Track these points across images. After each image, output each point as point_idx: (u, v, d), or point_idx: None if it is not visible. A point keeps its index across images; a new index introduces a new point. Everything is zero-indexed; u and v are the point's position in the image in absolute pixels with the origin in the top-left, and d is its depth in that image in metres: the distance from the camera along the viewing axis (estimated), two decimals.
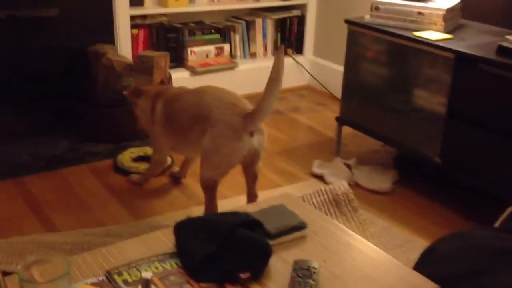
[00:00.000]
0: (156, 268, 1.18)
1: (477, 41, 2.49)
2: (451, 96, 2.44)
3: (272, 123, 3.40)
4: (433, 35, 2.49)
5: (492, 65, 2.25)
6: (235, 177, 2.73)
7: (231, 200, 2.48)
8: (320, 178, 2.70)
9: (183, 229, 1.27)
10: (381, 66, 2.77)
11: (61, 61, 3.17)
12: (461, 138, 2.46)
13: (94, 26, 3.13)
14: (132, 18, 3.25)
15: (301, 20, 3.97)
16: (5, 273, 1.15)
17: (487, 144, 2.37)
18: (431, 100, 2.53)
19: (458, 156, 2.48)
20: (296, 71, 4.01)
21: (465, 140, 2.45)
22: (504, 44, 2.27)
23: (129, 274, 1.14)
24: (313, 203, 2.37)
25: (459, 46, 2.38)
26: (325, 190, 2.47)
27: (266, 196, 2.02)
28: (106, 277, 1.15)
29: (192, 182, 2.65)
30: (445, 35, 2.49)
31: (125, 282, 1.12)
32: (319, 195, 2.44)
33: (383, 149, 3.04)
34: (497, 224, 2.12)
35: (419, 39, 2.47)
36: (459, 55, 2.34)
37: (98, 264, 1.21)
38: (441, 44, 2.39)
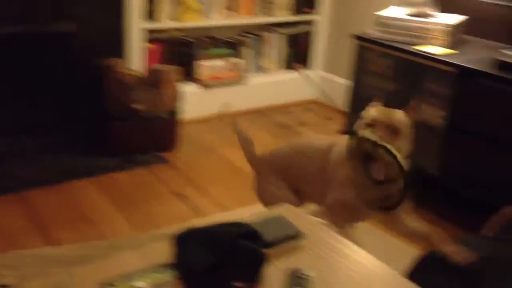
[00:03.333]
0: (152, 279, 1.20)
1: (478, 56, 2.52)
2: (451, 109, 2.46)
3: (279, 136, 3.43)
4: (436, 50, 2.52)
5: (493, 80, 2.27)
6: (239, 189, 2.77)
7: (234, 213, 2.51)
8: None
9: (183, 240, 1.29)
10: (385, 80, 2.80)
11: (72, 75, 3.24)
12: (460, 151, 2.48)
13: (106, 40, 3.20)
14: (150, 32, 3.31)
15: (310, 35, 4.01)
16: (3, 286, 1.14)
17: (486, 157, 2.39)
18: (431, 113, 2.56)
19: (456, 169, 2.50)
20: (304, 85, 4.05)
21: (464, 153, 2.47)
22: (504, 59, 2.29)
23: (123, 286, 1.15)
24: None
25: (462, 61, 2.40)
26: None
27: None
28: None
29: (196, 194, 2.68)
30: (448, 50, 2.52)
31: None
32: None
33: None
34: (485, 231, 2.13)
35: (423, 53, 2.49)
36: (461, 69, 2.37)
37: (92, 277, 1.21)
38: (444, 58, 2.42)
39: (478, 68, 2.34)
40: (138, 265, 1.26)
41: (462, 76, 2.40)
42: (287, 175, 2.07)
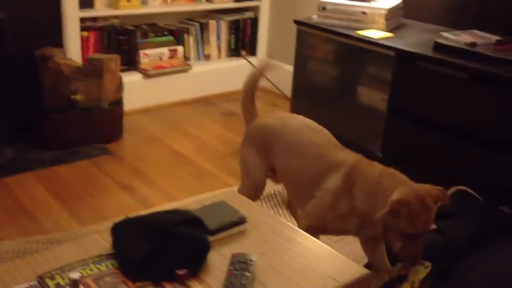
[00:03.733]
0: (91, 270, 1.17)
1: (416, 39, 2.57)
2: (392, 92, 2.51)
3: (225, 125, 3.41)
4: (376, 34, 2.56)
5: (430, 62, 2.33)
6: (187, 178, 2.74)
7: (182, 203, 2.48)
8: (271, 177, 2.72)
9: (121, 230, 1.26)
10: (328, 65, 2.83)
11: (6, 66, 3.11)
12: (401, 133, 2.54)
13: (42, 29, 3.08)
14: (82, 20, 3.22)
15: (254, 22, 4.00)
16: None
17: (426, 138, 2.45)
18: (374, 97, 2.60)
19: (399, 151, 2.56)
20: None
21: (405, 135, 2.53)
22: (440, 41, 2.35)
23: (62, 278, 1.13)
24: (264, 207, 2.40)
25: (400, 44, 2.45)
26: (275, 194, 2.50)
27: None
28: (38, 281, 1.13)
29: (143, 185, 2.64)
30: (388, 34, 2.56)
31: (58, 285, 1.11)
32: (269, 200, 2.48)
33: None
34: None
35: (362, 37, 2.53)
36: (400, 52, 2.41)
37: (31, 269, 1.19)
38: (383, 42, 2.46)
39: (416, 51, 2.39)
40: (77, 257, 1.23)
41: (401, 59, 2.45)
42: (269, 157, 1.97)
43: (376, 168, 1.73)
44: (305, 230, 1.49)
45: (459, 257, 1.92)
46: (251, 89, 2.11)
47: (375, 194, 1.64)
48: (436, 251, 1.95)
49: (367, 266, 1.85)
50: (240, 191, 2.00)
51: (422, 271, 1.65)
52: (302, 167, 1.84)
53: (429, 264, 1.68)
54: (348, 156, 1.78)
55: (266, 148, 1.96)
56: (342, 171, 1.73)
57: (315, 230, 1.71)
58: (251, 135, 2.04)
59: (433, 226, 1.71)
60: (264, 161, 1.98)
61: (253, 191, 2.00)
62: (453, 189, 2.28)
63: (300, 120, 1.96)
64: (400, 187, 1.60)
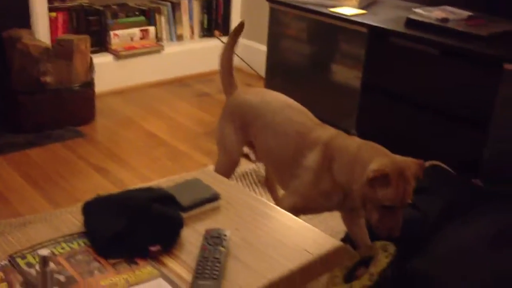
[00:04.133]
0: (63, 248, 1.16)
1: (388, 15, 2.58)
2: (365, 69, 2.52)
3: (199, 105, 3.39)
4: (348, 10, 2.55)
5: (402, 38, 2.34)
6: (162, 160, 2.72)
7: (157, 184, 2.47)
8: (246, 156, 2.73)
9: (92, 208, 1.25)
10: (301, 43, 2.82)
11: None
12: (375, 109, 2.55)
13: (9, 10, 3.00)
14: (50, 1, 3.14)
15: (227, 1, 3.96)
16: None
17: (400, 114, 2.47)
18: (347, 74, 2.61)
19: (373, 127, 2.58)
20: None
21: (378, 112, 2.54)
22: (412, 17, 2.36)
23: (33, 257, 1.11)
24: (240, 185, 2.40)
25: (373, 21, 2.45)
26: (250, 173, 2.50)
27: None
28: (9, 261, 1.12)
29: (117, 167, 2.61)
30: (359, 11, 2.56)
31: (29, 264, 1.10)
32: (245, 178, 2.48)
33: None
34: None
35: (335, 14, 2.52)
36: (372, 29, 2.42)
37: (2, 250, 1.17)
38: (356, 19, 2.46)
39: (389, 27, 2.39)
40: (49, 236, 1.22)
41: (374, 35, 2.45)
42: (247, 134, 1.95)
43: (355, 141, 1.73)
44: (288, 211, 1.47)
45: (431, 231, 1.95)
46: (227, 57, 2.10)
47: (354, 167, 1.64)
48: (412, 225, 1.98)
49: (343, 241, 1.87)
50: (216, 166, 2.01)
51: (383, 261, 1.64)
52: (281, 145, 1.83)
53: (392, 250, 1.67)
54: (326, 132, 1.77)
55: (244, 125, 1.94)
56: (320, 147, 1.72)
57: (298, 210, 1.70)
58: (229, 110, 2.01)
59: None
60: (241, 137, 1.97)
61: (228, 167, 2.00)
62: (426, 164, 2.30)
63: (279, 98, 1.95)
64: (379, 157, 1.61)
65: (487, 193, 2.13)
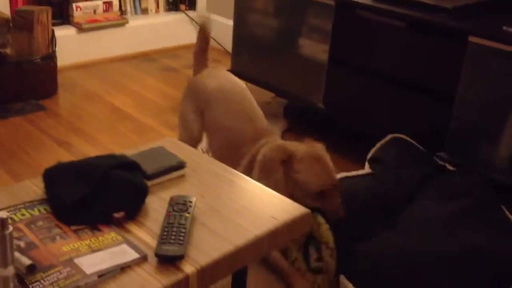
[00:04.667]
0: (23, 215, 1.12)
1: None
2: (332, 43, 2.51)
3: (165, 80, 3.34)
4: None
5: (369, 11, 2.33)
6: (127, 134, 2.68)
7: None
8: None
9: (53, 175, 1.22)
10: (268, 17, 2.79)
11: None
12: (342, 83, 2.56)
13: None
14: None
15: None
16: None
17: (367, 88, 2.48)
18: (315, 48, 2.60)
19: (340, 101, 2.58)
20: (190, 27, 3.94)
21: (346, 86, 2.55)
22: None
23: None
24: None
25: None
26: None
27: None
28: None
29: (81, 142, 2.56)
30: None
31: None
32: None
33: (274, 100, 3.09)
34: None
35: None
36: (339, 1, 2.41)
37: None
38: None
39: (356, 0, 2.38)
40: (7, 203, 1.18)
41: (341, 8, 2.44)
42: (203, 116, 1.97)
43: (270, 144, 1.77)
44: None
45: (394, 204, 1.97)
46: (201, 45, 2.13)
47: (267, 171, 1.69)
48: (376, 198, 1.99)
49: None
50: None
51: (327, 232, 1.66)
52: (220, 138, 1.90)
53: (321, 220, 1.67)
54: (258, 145, 1.80)
55: (200, 107, 1.96)
56: (248, 157, 1.79)
57: None
58: (190, 89, 2.05)
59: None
60: (200, 118, 2.00)
61: (189, 143, 1.99)
62: (388, 137, 2.32)
63: (235, 88, 1.96)
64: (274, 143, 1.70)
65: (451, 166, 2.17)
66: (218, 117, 1.91)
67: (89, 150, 2.48)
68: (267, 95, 3.04)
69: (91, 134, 2.63)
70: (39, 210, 1.15)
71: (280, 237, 1.24)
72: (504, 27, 2.03)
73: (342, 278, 1.64)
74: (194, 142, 2.01)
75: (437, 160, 2.23)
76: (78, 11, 3.35)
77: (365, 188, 2.04)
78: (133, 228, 1.16)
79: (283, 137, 2.70)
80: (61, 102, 2.95)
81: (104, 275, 1.00)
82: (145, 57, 3.67)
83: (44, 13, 2.83)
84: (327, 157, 1.65)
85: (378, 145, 2.30)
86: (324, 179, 1.62)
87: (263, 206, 1.30)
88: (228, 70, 2.96)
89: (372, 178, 2.12)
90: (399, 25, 2.30)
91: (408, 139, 2.31)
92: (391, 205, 1.96)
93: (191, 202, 1.20)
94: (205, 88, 1.96)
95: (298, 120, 2.92)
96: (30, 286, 0.94)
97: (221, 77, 2.03)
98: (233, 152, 1.84)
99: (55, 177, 1.20)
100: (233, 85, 1.97)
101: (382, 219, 1.88)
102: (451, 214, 1.86)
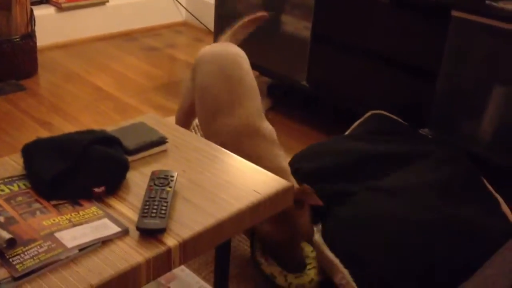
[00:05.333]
0: (2, 190, 1.11)
1: None
2: (314, 19, 2.50)
3: (147, 59, 3.31)
4: None
5: None
6: (109, 113, 2.65)
7: None
8: None
9: (32, 150, 1.20)
10: None
11: None
12: (325, 61, 2.55)
13: None
14: None
15: None
16: None
17: (350, 65, 2.48)
18: (297, 25, 2.59)
19: (323, 79, 2.58)
20: (172, 7, 3.90)
21: (329, 63, 2.54)
22: None
23: None
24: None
25: None
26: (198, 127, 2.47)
27: None
28: None
29: (62, 121, 2.53)
30: None
31: None
32: (196, 131, 2.45)
33: (257, 79, 3.07)
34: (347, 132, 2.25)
35: None
36: None
37: None
38: None
39: None
40: None
41: None
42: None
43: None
44: None
45: (374, 165, 1.96)
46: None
47: None
48: (350, 154, 1.97)
49: None
50: (176, 114, 2.03)
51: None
52: (198, 106, 1.82)
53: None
54: (230, 125, 1.70)
55: (194, 74, 1.92)
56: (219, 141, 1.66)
57: None
58: (195, 60, 2.00)
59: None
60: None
61: (183, 113, 1.99)
62: (368, 113, 2.33)
63: (228, 55, 1.86)
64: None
65: (434, 142, 2.18)
66: (201, 79, 1.83)
67: (71, 130, 2.40)
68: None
69: (72, 114, 2.60)
70: (18, 186, 1.13)
71: (262, 210, 1.25)
72: (487, 1, 2.03)
73: (318, 238, 1.63)
74: (188, 112, 1.96)
75: (420, 135, 2.24)
76: None
77: (336, 145, 2.04)
78: (115, 203, 1.16)
79: (267, 116, 2.69)
80: (41, 82, 2.91)
81: (85, 249, 0.99)
82: (126, 37, 3.63)
83: None
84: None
85: (357, 122, 2.30)
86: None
87: (245, 180, 1.29)
88: None
89: (347, 138, 2.12)
90: (382, 1, 2.30)
91: (389, 114, 2.31)
92: (369, 165, 1.93)
93: (172, 176, 1.20)
94: (203, 53, 1.91)
95: (282, 98, 2.92)
96: (10, 260, 0.93)
97: (220, 45, 1.98)
98: (208, 119, 1.76)
99: (34, 153, 1.18)
100: (227, 52, 1.87)
101: (359, 178, 1.86)
102: (432, 183, 1.86)
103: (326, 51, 2.53)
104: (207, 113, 1.77)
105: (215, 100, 1.75)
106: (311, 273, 1.65)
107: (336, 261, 1.54)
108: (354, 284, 1.48)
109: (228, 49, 1.91)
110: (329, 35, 2.51)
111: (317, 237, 1.65)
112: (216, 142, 1.49)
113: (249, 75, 1.84)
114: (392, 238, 1.57)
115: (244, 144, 1.66)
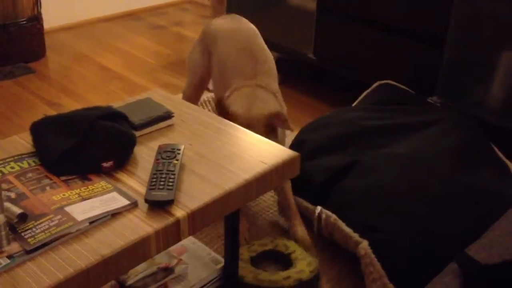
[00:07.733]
0: (12, 168, 1.13)
1: None
2: None
3: (153, 38, 3.31)
4: None
5: None
6: (118, 93, 2.67)
7: None
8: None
9: (40, 128, 1.22)
10: None
11: None
12: (331, 32, 2.53)
13: None
14: None
15: None
16: None
17: (357, 35, 2.46)
18: None
19: (330, 51, 2.56)
20: None
21: (335, 34, 2.53)
22: None
23: None
24: None
25: None
26: (208, 101, 2.48)
27: None
28: None
29: (72, 102, 2.55)
30: None
31: None
32: (204, 106, 2.46)
33: None
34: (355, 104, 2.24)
35: None
36: None
37: None
38: None
39: None
40: None
41: None
42: (210, 59, 1.95)
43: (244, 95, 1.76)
44: None
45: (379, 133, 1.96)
46: None
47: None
48: (352, 125, 1.97)
49: None
50: (184, 88, 2.04)
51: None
52: (215, 76, 1.87)
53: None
54: (239, 87, 1.78)
55: (208, 48, 1.95)
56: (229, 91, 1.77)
57: None
58: (201, 33, 2.04)
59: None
60: (207, 60, 1.97)
61: (193, 88, 2.01)
62: (375, 84, 2.32)
63: (242, 31, 1.92)
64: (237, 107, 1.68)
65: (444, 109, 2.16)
66: (221, 51, 1.88)
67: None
68: None
69: (82, 95, 2.62)
70: (28, 163, 1.15)
71: (269, 180, 1.26)
72: None
73: (329, 214, 1.63)
74: (197, 87, 2.01)
75: (428, 100, 2.22)
76: None
77: (343, 116, 2.04)
78: (123, 177, 1.17)
79: None
80: (50, 64, 2.93)
81: (95, 222, 1.01)
82: (132, 16, 3.63)
83: None
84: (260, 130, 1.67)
85: (364, 93, 2.29)
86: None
87: (252, 151, 1.30)
88: None
89: (354, 109, 2.12)
90: None
91: (396, 84, 2.30)
92: (377, 134, 1.93)
93: (179, 149, 1.21)
94: (214, 27, 1.95)
95: (290, 72, 2.91)
96: (22, 234, 0.95)
97: (231, 18, 2.01)
98: (225, 83, 1.83)
99: (42, 130, 1.20)
100: (241, 26, 1.94)
101: (367, 147, 1.86)
102: (443, 149, 1.85)
103: (332, 22, 2.51)
104: (227, 83, 1.82)
105: (241, 72, 1.80)
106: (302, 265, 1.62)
107: (352, 233, 1.54)
108: (372, 255, 1.48)
109: (243, 25, 1.96)
110: (334, 6, 2.49)
111: (328, 213, 1.63)
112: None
113: (267, 50, 1.92)
114: (405, 206, 1.57)
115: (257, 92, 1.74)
